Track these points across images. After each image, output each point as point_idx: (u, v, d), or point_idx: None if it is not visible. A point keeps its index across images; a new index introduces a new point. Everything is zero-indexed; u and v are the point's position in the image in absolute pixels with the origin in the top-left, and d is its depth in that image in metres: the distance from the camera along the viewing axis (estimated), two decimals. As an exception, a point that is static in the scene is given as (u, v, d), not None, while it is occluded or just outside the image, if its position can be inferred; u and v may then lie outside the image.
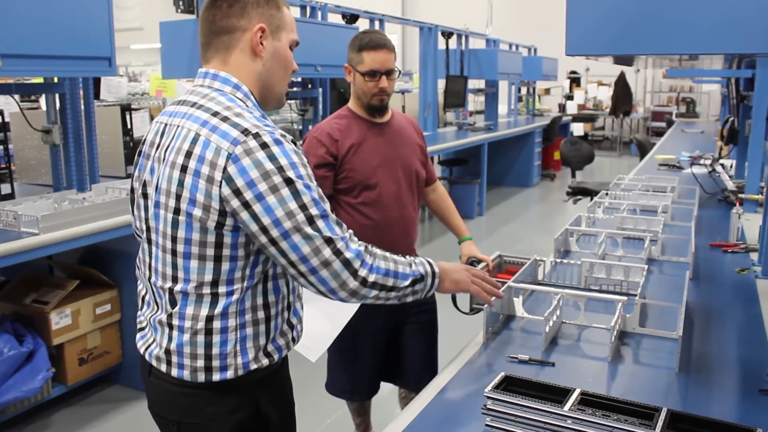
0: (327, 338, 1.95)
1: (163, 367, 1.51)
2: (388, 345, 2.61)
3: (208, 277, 1.42)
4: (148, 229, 1.50)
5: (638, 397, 1.48)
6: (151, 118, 6.43)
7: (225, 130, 1.37)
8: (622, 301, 1.89)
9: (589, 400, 1.40)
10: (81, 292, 3.48)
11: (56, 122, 3.81)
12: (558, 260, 2.48)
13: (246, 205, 1.35)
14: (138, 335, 1.63)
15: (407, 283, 1.54)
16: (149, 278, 1.53)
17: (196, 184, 1.37)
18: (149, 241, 1.50)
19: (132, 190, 1.57)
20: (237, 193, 1.34)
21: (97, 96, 5.52)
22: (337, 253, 1.40)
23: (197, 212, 1.38)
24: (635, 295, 2.02)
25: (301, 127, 5.99)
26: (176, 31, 4.60)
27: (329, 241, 1.39)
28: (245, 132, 1.36)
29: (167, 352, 1.49)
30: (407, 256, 1.61)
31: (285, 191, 1.36)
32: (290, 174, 1.36)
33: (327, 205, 1.44)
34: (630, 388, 1.61)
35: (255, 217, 1.35)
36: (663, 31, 1.25)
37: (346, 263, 1.41)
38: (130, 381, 3.75)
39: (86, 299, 3.48)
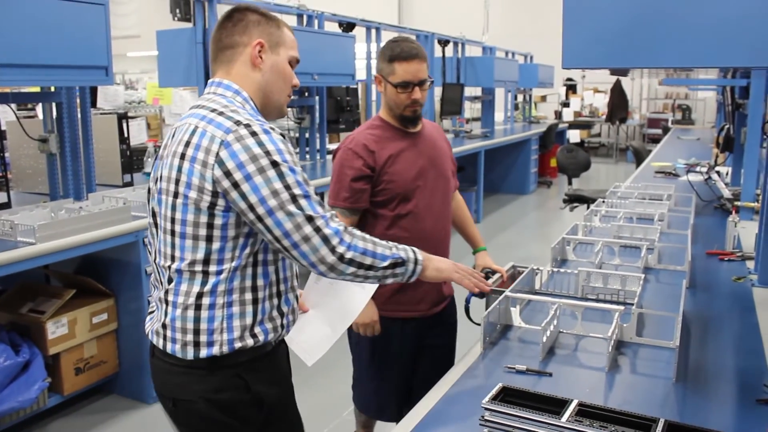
0: (326, 344, 1.96)
1: (160, 343, 1.64)
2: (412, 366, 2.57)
3: (200, 255, 1.56)
4: (154, 214, 1.66)
5: (636, 407, 1.48)
6: (148, 126, 6.45)
7: (220, 121, 1.54)
8: (619, 311, 1.89)
9: (586, 411, 1.40)
10: (77, 302, 3.47)
11: (53, 131, 3.82)
12: (555, 269, 2.48)
13: (235, 185, 1.50)
14: (147, 319, 1.76)
15: (386, 264, 1.63)
16: (155, 260, 1.68)
17: (192, 169, 1.53)
18: (156, 226, 1.66)
19: (149, 190, 1.72)
20: (227, 174, 1.49)
21: (93, 104, 5.55)
22: (317, 229, 1.53)
23: (192, 194, 1.53)
24: (632, 305, 2.03)
25: (297, 135, 6.00)
26: (173, 39, 4.62)
27: (310, 219, 1.52)
28: (237, 123, 1.53)
29: (163, 326, 1.63)
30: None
31: (271, 172, 1.50)
32: (276, 158, 1.51)
33: (311, 188, 1.56)
34: (627, 398, 1.61)
35: (243, 196, 1.50)
36: (658, 45, 1.26)
37: (325, 239, 1.53)
38: (126, 391, 3.73)
39: (83, 308, 3.47)
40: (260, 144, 1.51)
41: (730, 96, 4.75)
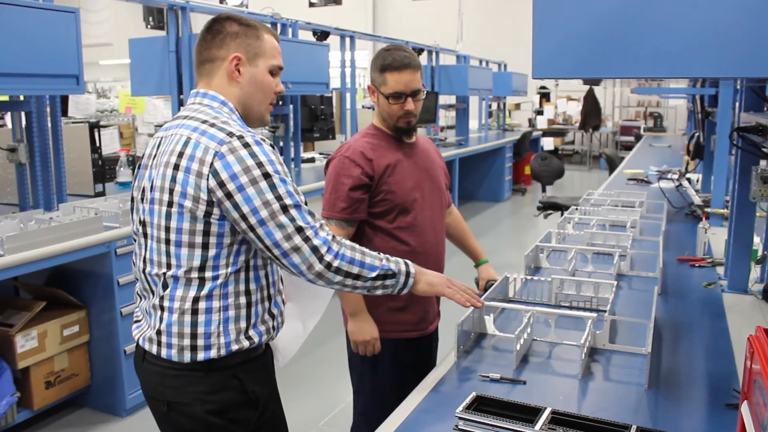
0: (296, 343, 1.96)
1: (154, 349, 1.66)
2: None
3: (196, 262, 1.60)
4: (144, 224, 1.67)
5: (608, 414, 1.49)
6: (121, 135, 6.38)
7: (213, 133, 1.58)
8: (591, 318, 1.91)
9: (559, 419, 1.41)
10: (48, 314, 3.41)
11: (22, 140, 3.75)
12: (528, 277, 2.49)
13: (228, 195, 1.54)
14: (134, 326, 1.79)
15: (374, 274, 1.67)
16: (143, 270, 1.69)
17: (187, 179, 1.56)
18: (145, 236, 1.68)
19: (132, 199, 1.75)
20: (221, 184, 1.54)
21: (65, 113, 5.48)
22: (306, 240, 1.57)
23: (188, 203, 1.57)
24: (605, 312, 2.04)
25: (272, 143, 5.97)
26: (145, 48, 4.58)
27: (299, 230, 1.56)
28: (230, 134, 1.57)
29: (158, 332, 1.65)
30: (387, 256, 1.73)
31: (263, 183, 1.54)
32: (268, 169, 1.56)
33: (301, 197, 1.60)
34: (600, 405, 1.62)
35: (236, 206, 1.54)
36: (627, 56, 1.27)
37: (314, 249, 1.57)
38: (99, 404, 3.67)
39: (53, 321, 3.41)
40: (253, 155, 1.55)
41: (699, 104, 4.82)
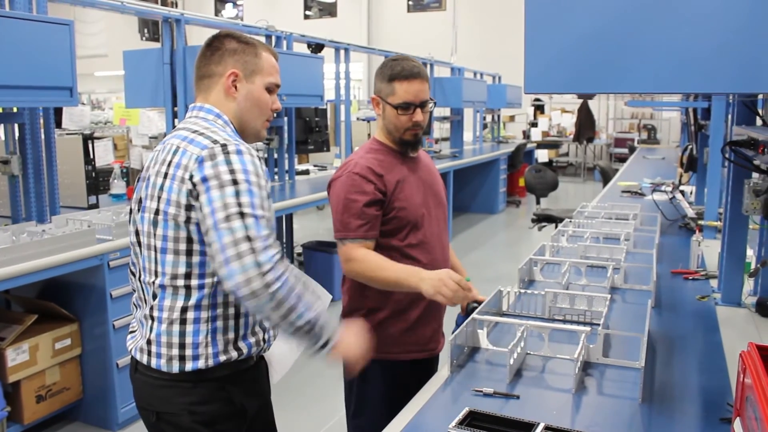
0: (291, 357, 1.94)
1: (145, 359, 1.68)
2: None
3: (182, 270, 1.62)
4: (138, 233, 1.70)
5: (602, 429, 1.49)
6: (115, 147, 6.37)
7: (199, 141, 1.61)
8: (585, 332, 1.90)
9: (553, 435, 1.40)
10: (39, 327, 3.39)
11: (15, 152, 3.74)
12: (522, 290, 2.49)
13: (197, 197, 1.56)
14: (128, 337, 1.80)
15: (300, 323, 1.55)
16: (139, 277, 1.72)
17: (171, 185, 1.60)
18: (140, 244, 1.70)
19: (130, 210, 1.77)
20: (195, 186, 1.56)
21: (59, 125, 5.46)
22: (252, 250, 1.50)
23: (171, 210, 1.59)
24: (599, 325, 2.04)
25: (266, 155, 5.98)
26: (140, 60, 4.58)
27: (249, 238, 1.50)
28: (214, 141, 1.60)
29: (148, 342, 1.67)
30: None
31: (229, 188, 1.54)
32: (239, 176, 1.55)
33: (266, 212, 1.57)
34: (594, 419, 1.61)
35: (200, 207, 1.55)
36: (619, 72, 1.27)
37: (257, 263, 1.49)
38: (91, 418, 3.64)
39: (45, 334, 3.39)
40: (228, 162, 1.56)
41: (692, 117, 4.85)
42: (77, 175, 4.44)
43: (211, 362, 1.65)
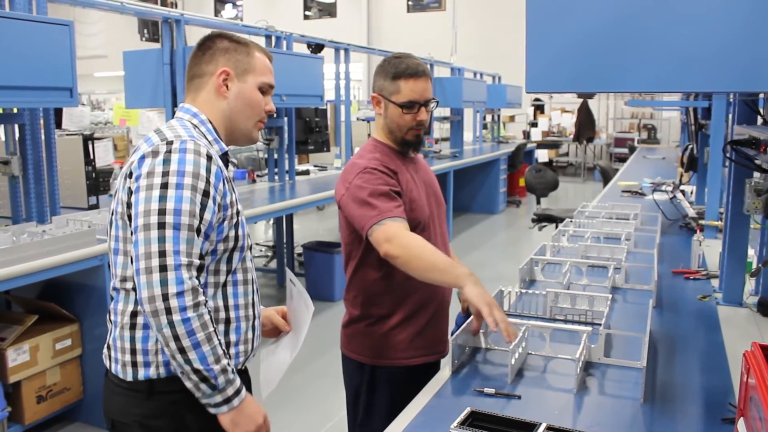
0: (281, 371, 1.90)
1: (107, 363, 1.65)
2: None
3: (129, 272, 1.54)
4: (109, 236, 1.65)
5: (604, 429, 1.48)
6: (115, 147, 6.38)
7: (152, 138, 1.56)
8: (586, 332, 1.90)
9: (555, 435, 1.40)
10: (40, 327, 3.39)
11: (15, 153, 3.74)
12: (523, 290, 2.49)
13: (131, 193, 1.51)
14: None
15: (197, 367, 1.45)
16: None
17: (122, 184, 1.55)
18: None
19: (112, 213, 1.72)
20: (133, 183, 1.51)
21: (59, 125, 5.46)
22: (162, 268, 1.41)
23: (120, 208, 1.55)
24: (600, 325, 2.04)
25: (266, 156, 5.98)
26: (140, 60, 4.58)
27: (162, 254, 1.42)
28: (164, 139, 1.53)
29: (108, 347, 1.65)
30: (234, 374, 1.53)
31: (156, 192, 1.46)
32: (171, 179, 1.47)
33: (194, 223, 1.47)
34: (596, 419, 1.61)
35: (131, 206, 1.50)
36: (620, 71, 1.27)
37: (164, 282, 1.41)
38: (91, 418, 3.64)
39: (45, 334, 3.39)
40: (166, 162, 1.49)
41: (693, 117, 4.84)
42: (77, 175, 4.44)
43: (162, 370, 1.56)
